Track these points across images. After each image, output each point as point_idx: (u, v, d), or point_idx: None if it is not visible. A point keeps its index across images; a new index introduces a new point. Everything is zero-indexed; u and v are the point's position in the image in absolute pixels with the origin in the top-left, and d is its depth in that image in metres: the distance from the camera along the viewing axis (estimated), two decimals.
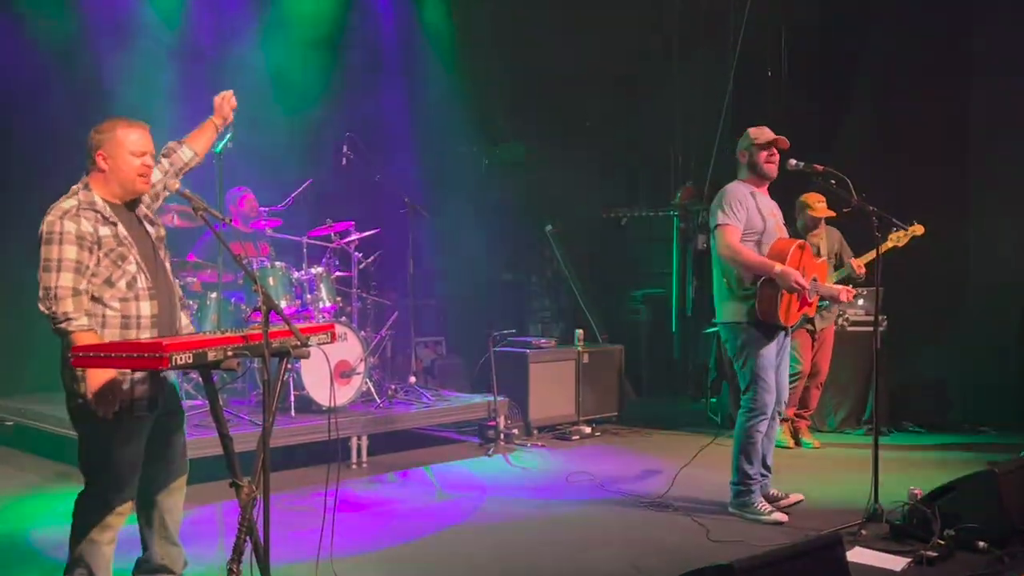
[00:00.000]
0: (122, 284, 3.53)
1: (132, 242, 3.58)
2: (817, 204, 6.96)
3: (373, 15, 10.13)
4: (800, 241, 5.29)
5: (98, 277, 3.49)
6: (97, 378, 3.38)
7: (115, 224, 3.56)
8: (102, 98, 7.63)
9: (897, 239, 6.04)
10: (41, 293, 3.41)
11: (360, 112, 9.46)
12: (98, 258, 3.49)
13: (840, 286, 5.52)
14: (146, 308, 3.57)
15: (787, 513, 5.30)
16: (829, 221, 7.10)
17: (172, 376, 3.77)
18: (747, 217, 5.21)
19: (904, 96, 8.39)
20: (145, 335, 3.54)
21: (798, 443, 7.26)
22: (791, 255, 5.13)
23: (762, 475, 5.45)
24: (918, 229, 6.04)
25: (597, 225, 10.53)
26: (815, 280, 5.32)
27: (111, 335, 3.49)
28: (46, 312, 3.41)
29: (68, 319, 3.39)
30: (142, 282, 3.57)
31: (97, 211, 3.54)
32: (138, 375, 3.50)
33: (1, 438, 7.39)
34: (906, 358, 8.03)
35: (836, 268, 6.95)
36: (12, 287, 7.56)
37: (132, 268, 3.55)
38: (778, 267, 5.08)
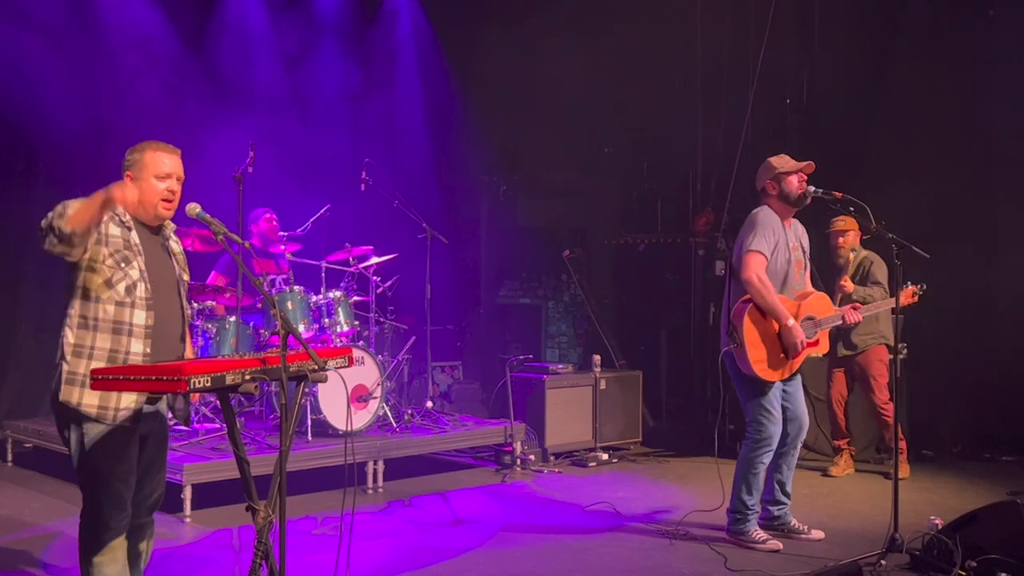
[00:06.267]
0: (121, 288, 3.52)
1: (141, 251, 3.59)
2: (837, 222, 7.13)
3: (393, 43, 10.23)
4: (799, 300, 5.31)
5: (99, 275, 3.49)
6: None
7: (130, 229, 3.59)
8: (128, 122, 7.73)
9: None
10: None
11: (378, 138, 9.54)
12: (104, 255, 3.50)
13: (842, 309, 5.47)
14: (140, 317, 3.54)
15: (803, 537, 5.31)
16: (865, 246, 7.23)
17: (162, 407, 3.76)
18: (772, 249, 5.20)
19: (926, 124, 8.37)
20: (137, 344, 3.52)
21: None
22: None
23: (781, 503, 5.43)
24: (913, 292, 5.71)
25: (615, 251, 10.52)
26: (811, 319, 5.29)
27: (102, 339, 3.49)
28: (44, 224, 3.36)
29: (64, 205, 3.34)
30: (141, 291, 3.55)
31: (116, 214, 3.57)
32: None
33: (20, 460, 7.43)
34: (926, 387, 7.97)
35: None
36: (32, 310, 7.64)
37: (134, 274, 3.55)
38: (791, 321, 5.11)
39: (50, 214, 3.36)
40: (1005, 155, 8.31)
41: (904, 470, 7.04)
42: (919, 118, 8.43)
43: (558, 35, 9.65)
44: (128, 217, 3.60)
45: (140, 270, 3.57)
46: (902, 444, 7.14)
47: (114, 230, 3.54)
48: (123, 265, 3.53)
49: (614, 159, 10.58)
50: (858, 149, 8.72)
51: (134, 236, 3.59)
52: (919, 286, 5.66)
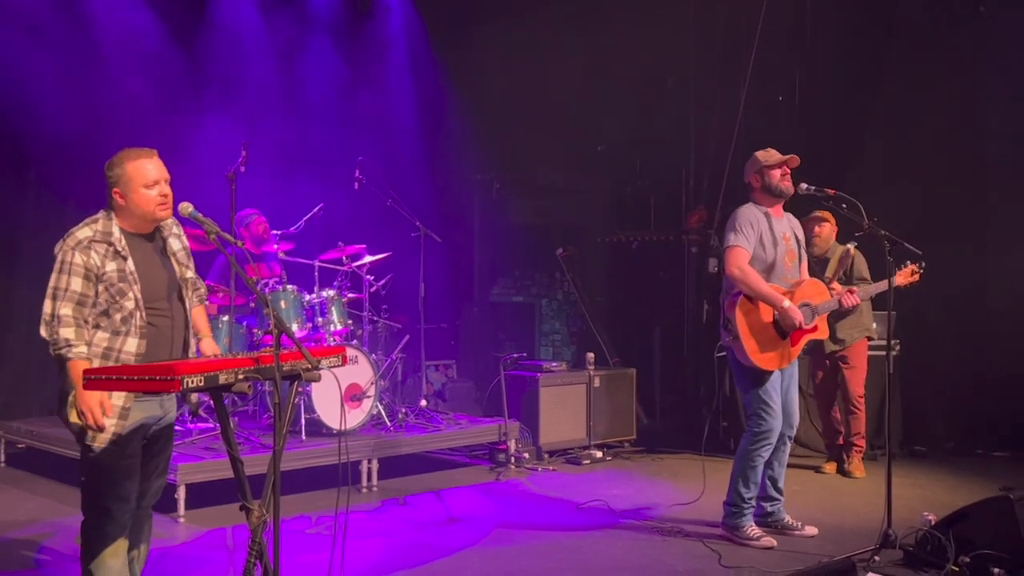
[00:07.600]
0: (117, 317, 3.59)
1: (137, 278, 3.61)
2: (815, 212, 7.04)
3: (386, 40, 10.22)
4: (792, 288, 5.32)
5: (97, 308, 3.57)
6: (88, 398, 3.44)
7: (126, 259, 3.61)
8: (119, 121, 7.70)
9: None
10: (46, 317, 3.52)
11: (372, 135, 9.52)
12: (97, 291, 3.57)
13: (839, 292, 5.46)
14: (131, 345, 3.59)
15: (797, 533, 5.31)
16: (845, 241, 7.15)
17: (165, 406, 3.79)
18: (756, 241, 5.23)
19: (920, 123, 8.37)
20: None
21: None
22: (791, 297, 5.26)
23: (774, 499, 5.45)
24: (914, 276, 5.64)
25: (608, 249, 10.53)
26: (807, 305, 5.30)
27: (94, 363, 3.55)
28: (47, 337, 3.51)
29: (69, 345, 3.48)
30: (137, 319, 3.61)
31: (111, 243, 3.59)
32: None
33: (13, 461, 7.41)
34: (919, 383, 7.98)
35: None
36: (23, 311, 7.61)
37: (130, 305, 3.59)
38: (786, 302, 5.14)
39: (59, 340, 3.48)
40: (1001, 153, 8.31)
41: (860, 469, 7.06)
42: (913, 116, 8.43)
43: (551, 33, 9.64)
44: (124, 244, 3.62)
45: (136, 299, 3.61)
46: (861, 442, 7.14)
47: (109, 266, 3.58)
48: (118, 298, 3.59)
49: (607, 157, 10.57)
50: (852, 148, 8.72)
51: (130, 265, 3.62)
52: (918, 263, 5.54)
